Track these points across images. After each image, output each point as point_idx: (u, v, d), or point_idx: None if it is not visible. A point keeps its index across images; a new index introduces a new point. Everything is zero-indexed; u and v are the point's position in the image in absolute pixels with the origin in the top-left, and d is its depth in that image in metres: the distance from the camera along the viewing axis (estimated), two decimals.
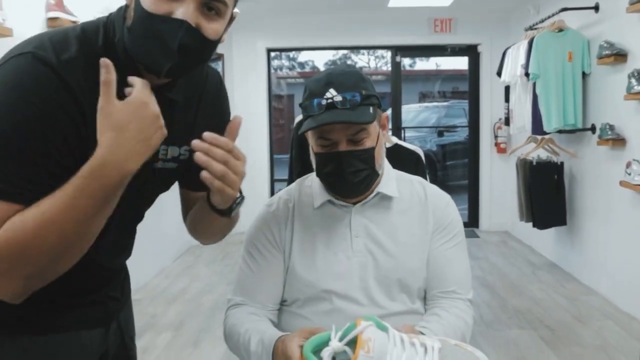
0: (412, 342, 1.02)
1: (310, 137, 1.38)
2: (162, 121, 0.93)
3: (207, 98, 1.22)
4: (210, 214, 1.15)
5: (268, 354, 1.20)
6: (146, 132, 0.91)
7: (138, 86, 0.93)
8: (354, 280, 1.36)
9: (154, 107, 0.93)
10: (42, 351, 1.11)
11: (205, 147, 0.97)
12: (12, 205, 0.89)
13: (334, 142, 1.33)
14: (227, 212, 1.15)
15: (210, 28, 0.99)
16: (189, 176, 1.17)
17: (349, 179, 1.34)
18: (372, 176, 1.38)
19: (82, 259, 0.98)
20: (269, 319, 1.40)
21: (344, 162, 1.32)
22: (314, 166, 1.41)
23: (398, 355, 0.99)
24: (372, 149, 1.35)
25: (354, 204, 1.42)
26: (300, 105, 1.37)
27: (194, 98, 1.18)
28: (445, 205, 1.47)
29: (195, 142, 0.97)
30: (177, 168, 1.17)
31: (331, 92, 1.30)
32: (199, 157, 0.96)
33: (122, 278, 1.34)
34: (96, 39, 1.00)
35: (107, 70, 0.88)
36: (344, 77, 1.34)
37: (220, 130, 1.03)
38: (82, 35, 0.99)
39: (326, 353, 1.00)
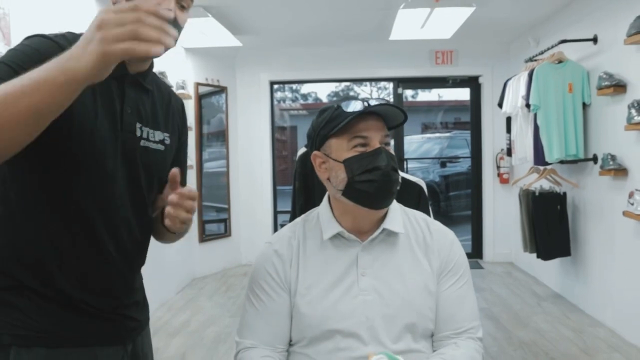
0: None
1: (335, 149, 1.38)
2: (100, 34, 0.84)
3: (177, 109, 1.44)
4: (163, 229, 1.31)
5: None
6: (86, 42, 0.86)
7: None
8: (360, 318, 1.35)
9: (93, 27, 0.86)
10: None
11: (176, 201, 1.17)
12: None
13: (369, 142, 1.35)
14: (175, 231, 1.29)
15: (182, 18, 1.23)
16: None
17: (390, 176, 1.35)
18: (397, 181, 1.38)
19: (96, 245, 1.19)
20: None
21: (386, 157, 1.34)
22: (341, 177, 1.37)
23: None
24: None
25: (362, 240, 1.41)
26: (321, 124, 1.38)
27: (170, 101, 1.40)
28: (450, 244, 1.47)
29: (171, 197, 1.17)
30: (165, 151, 1.34)
31: (367, 99, 1.34)
32: (169, 212, 1.18)
33: (141, 301, 1.39)
34: (67, 38, 1.15)
35: None
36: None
37: (180, 139, 1.40)
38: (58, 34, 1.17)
39: None
